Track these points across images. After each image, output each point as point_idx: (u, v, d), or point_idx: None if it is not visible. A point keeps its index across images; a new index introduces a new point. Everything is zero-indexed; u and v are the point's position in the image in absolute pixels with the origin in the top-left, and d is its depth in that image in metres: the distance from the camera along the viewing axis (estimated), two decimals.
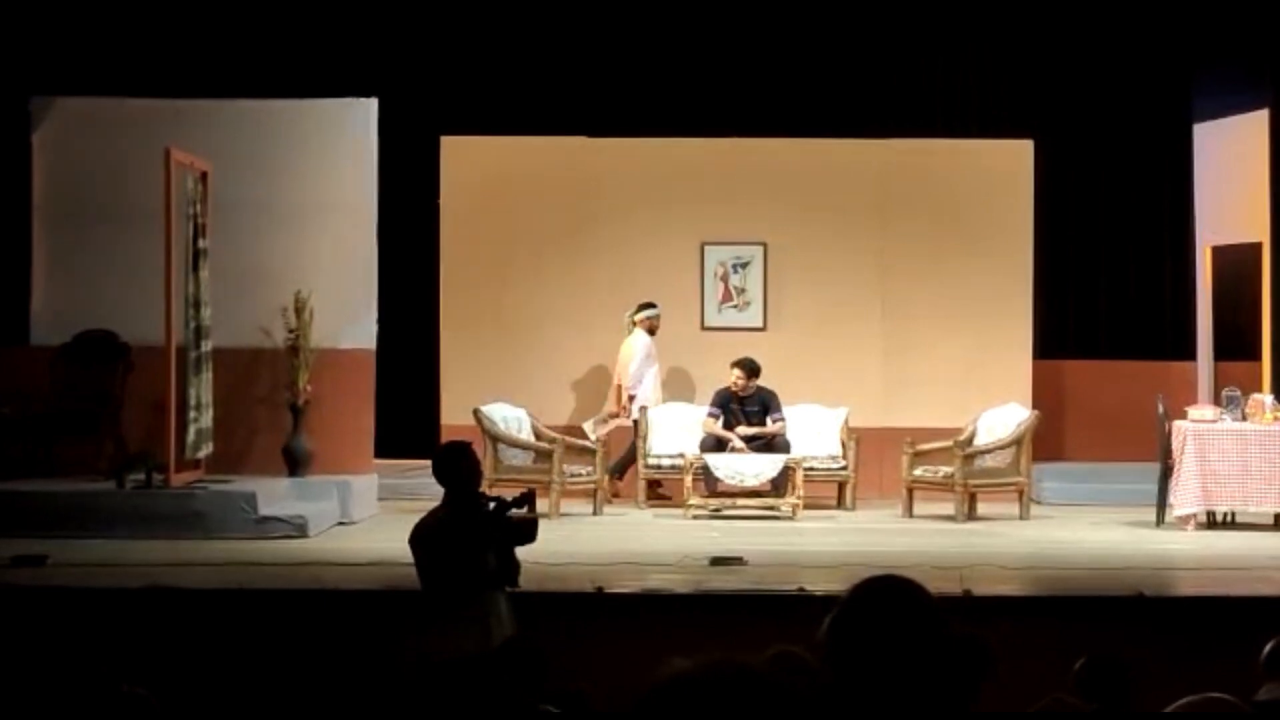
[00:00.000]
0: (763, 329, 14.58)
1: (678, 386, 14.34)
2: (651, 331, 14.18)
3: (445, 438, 13.92)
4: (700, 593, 9.38)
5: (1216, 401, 12.91)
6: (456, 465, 7.03)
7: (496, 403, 13.68)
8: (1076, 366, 15.27)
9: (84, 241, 13.29)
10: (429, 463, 7.23)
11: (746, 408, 13.58)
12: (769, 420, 13.53)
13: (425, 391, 14.65)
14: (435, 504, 7.17)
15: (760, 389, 13.62)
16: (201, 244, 12.54)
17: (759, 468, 13.15)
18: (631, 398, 13.99)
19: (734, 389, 13.55)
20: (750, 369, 13.57)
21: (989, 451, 13.27)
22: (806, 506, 13.14)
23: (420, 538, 6.99)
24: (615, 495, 13.76)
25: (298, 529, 11.63)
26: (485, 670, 6.19)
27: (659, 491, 13.78)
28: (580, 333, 14.69)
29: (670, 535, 11.93)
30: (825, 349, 14.59)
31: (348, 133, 13.48)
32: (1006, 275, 14.66)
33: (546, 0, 15.07)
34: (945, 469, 13.10)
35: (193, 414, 12.35)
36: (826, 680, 2.86)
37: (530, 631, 6.90)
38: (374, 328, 13.49)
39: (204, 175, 12.61)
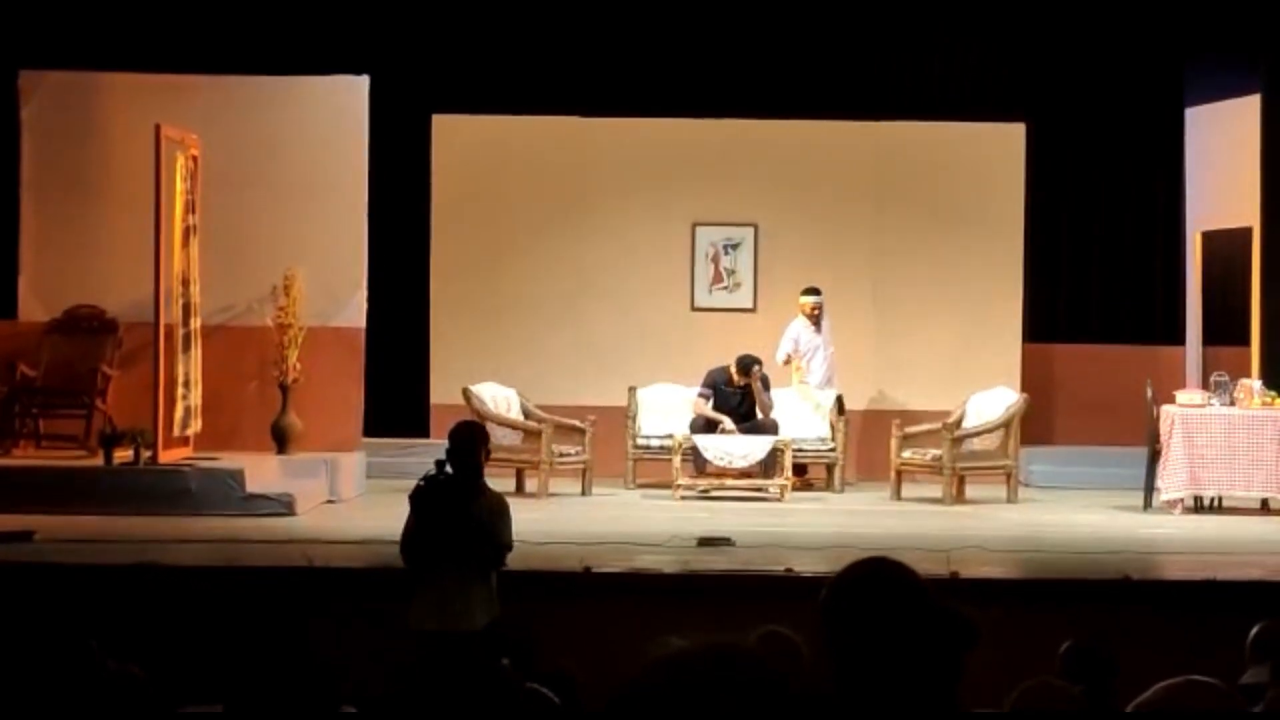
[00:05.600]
0: (753, 310, 14.57)
1: (667, 367, 14.33)
2: (810, 318, 13.89)
3: (435, 417, 13.92)
4: (688, 573, 9.38)
5: (1205, 386, 12.93)
6: (456, 444, 7.29)
7: (486, 382, 13.66)
8: (1066, 350, 15.27)
9: (73, 216, 13.25)
10: (418, 441, 7.36)
11: (738, 388, 13.55)
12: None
13: (415, 370, 14.62)
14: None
15: None
16: (191, 220, 12.52)
17: (748, 449, 13.16)
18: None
19: (732, 378, 13.50)
20: (746, 367, 13.47)
21: (977, 434, 13.28)
22: (795, 488, 13.16)
23: (417, 494, 7.24)
24: None
25: (285, 506, 11.61)
26: (473, 648, 6.21)
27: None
28: (571, 312, 14.67)
29: (658, 515, 11.93)
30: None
31: (339, 110, 13.45)
32: (997, 259, 14.66)
33: None
34: (934, 451, 13.11)
35: (181, 391, 12.34)
36: (815, 661, 2.87)
37: (517, 611, 6.92)
38: (364, 306, 13.47)
39: (194, 151, 12.58)
